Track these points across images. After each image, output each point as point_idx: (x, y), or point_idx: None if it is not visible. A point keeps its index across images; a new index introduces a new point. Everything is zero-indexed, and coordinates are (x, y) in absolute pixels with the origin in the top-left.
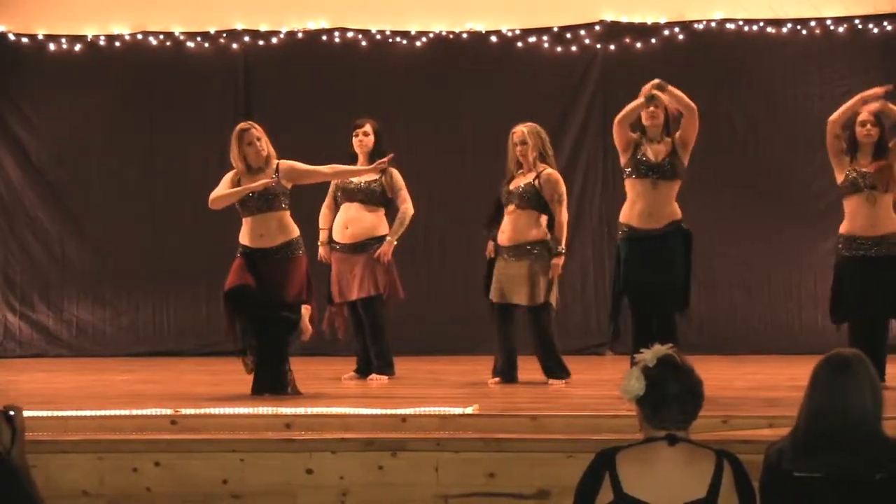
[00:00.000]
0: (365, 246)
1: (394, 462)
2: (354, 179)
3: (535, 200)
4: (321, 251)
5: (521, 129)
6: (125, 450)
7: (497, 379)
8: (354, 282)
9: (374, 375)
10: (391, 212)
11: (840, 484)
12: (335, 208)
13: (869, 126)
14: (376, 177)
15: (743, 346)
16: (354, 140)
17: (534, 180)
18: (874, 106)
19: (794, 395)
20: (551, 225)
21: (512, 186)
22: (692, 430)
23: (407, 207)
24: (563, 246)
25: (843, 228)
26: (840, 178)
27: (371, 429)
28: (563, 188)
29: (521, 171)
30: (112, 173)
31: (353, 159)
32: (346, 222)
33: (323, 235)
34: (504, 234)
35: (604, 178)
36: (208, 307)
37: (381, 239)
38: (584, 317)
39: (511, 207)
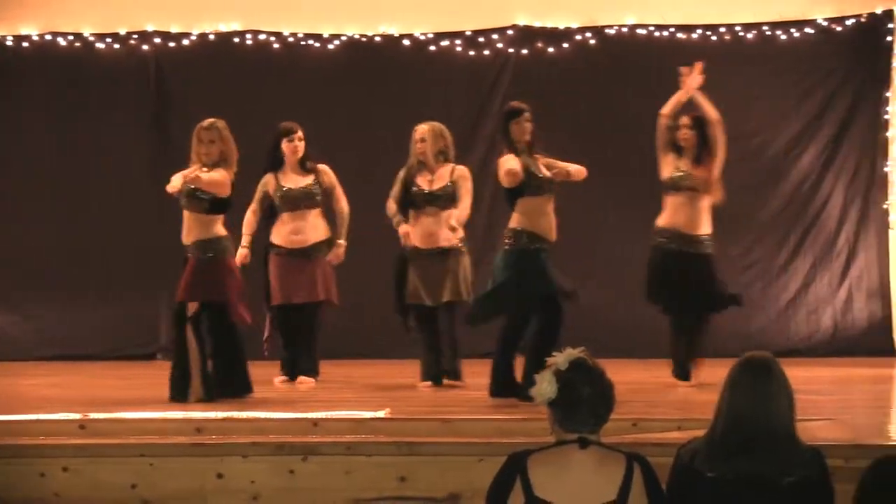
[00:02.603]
0: (315, 250)
1: (305, 466)
2: (292, 185)
3: (455, 200)
4: (243, 255)
5: (423, 127)
6: (32, 455)
7: (428, 383)
8: (304, 285)
9: (302, 378)
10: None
11: (752, 486)
12: (264, 215)
13: (685, 129)
14: (311, 180)
15: (653, 350)
16: (289, 145)
17: (450, 181)
18: (683, 96)
19: (703, 397)
20: None
21: (428, 188)
22: (603, 433)
23: (343, 205)
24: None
25: (662, 222)
26: (665, 175)
27: (282, 433)
28: (471, 184)
29: (424, 170)
30: (21, 174)
31: (277, 163)
32: (296, 229)
33: (246, 240)
34: (430, 237)
35: None
36: (118, 310)
37: (327, 242)
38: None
39: (433, 210)
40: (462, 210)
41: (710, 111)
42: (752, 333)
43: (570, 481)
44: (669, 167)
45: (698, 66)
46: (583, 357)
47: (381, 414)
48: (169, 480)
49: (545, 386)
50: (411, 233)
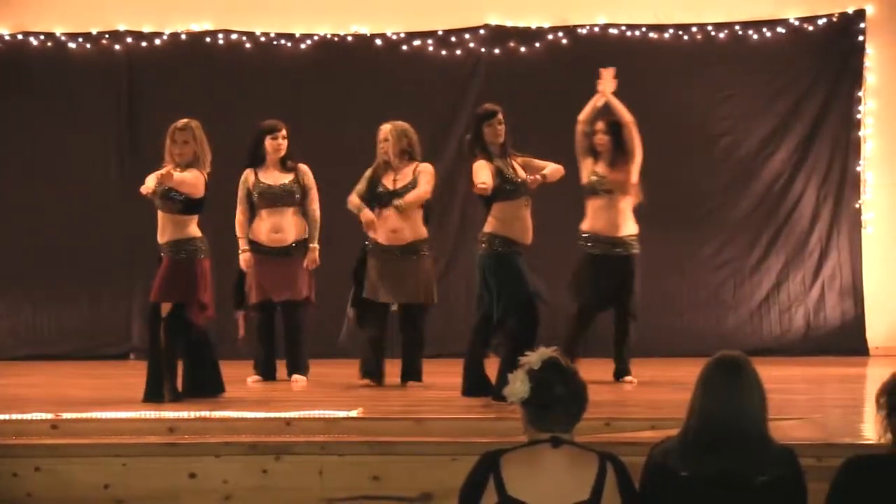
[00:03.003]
0: (295, 249)
1: (278, 466)
2: (272, 182)
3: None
4: (246, 258)
5: (386, 127)
6: (5, 455)
7: (368, 381)
8: (286, 283)
9: (296, 377)
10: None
11: (724, 485)
12: (250, 214)
13: (600, 134)
14: (290, 178)
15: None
16: (272, 142)
17: (412, 178)
18: (598, 101)
19: (676, 396)
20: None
21: (392, 187)
22: (576, 432)
23: (316, 207)
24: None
25: (586, 227)
26: (584, 179)
27: (255, 432)
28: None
29: (389, 169)
30: None
31: (258, 160)
32: (275, 226)
33: (244, 243)
34: (394, 234)
35: None
36: (90, 310)
37: (304, 241)
38: (469, 320)
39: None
40: (415, 193)
41: (624, 114)
42: (724, 332)
43: (543, 480)
44: (587, 172)
45: (611, 70)
46: (556, 357)
47: (354, 413)
48: (142, 480)
49: (518, 385)
50: (376, 228)
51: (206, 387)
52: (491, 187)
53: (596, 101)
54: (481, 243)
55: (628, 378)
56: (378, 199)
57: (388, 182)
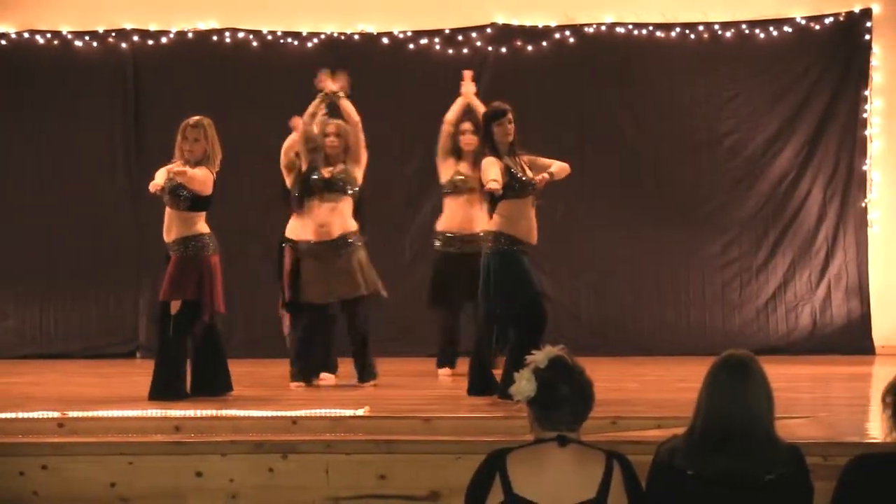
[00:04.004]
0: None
1: (284, 464)
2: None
3: (351, 185)
4: None
5: (337, 122)
6: (11, 453)
7: (300, 383)
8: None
9: (325, 375)
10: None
11: (731, 484)
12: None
13: (468, 135)
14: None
15: (632, 348)
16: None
17: (344, 168)
18: (464, 102)
19: (683, 395)
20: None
21: (329, 176)
22: (582, 431)
23: None
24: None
25: (442, 226)
26: (444, 178)
27: (261, 431)
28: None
29: (327, 163)
30: None
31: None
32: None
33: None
34: (321, 228)
35: None
36: (96, 309)
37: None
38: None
39: (330, 196)
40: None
41: None
42: (731, 331)
43: (549, 479)
44: (449, 171)
45: (469, 72)
46: (562, 355)
47: (360, 412)
48: (148, 479)
49: (524, 384)
50: (303, 226)
51: (214, 385)
52: (501, 185)
53: (462, 103)
54: (486, 241)
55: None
56: (311, 188)
57: (325, 172)
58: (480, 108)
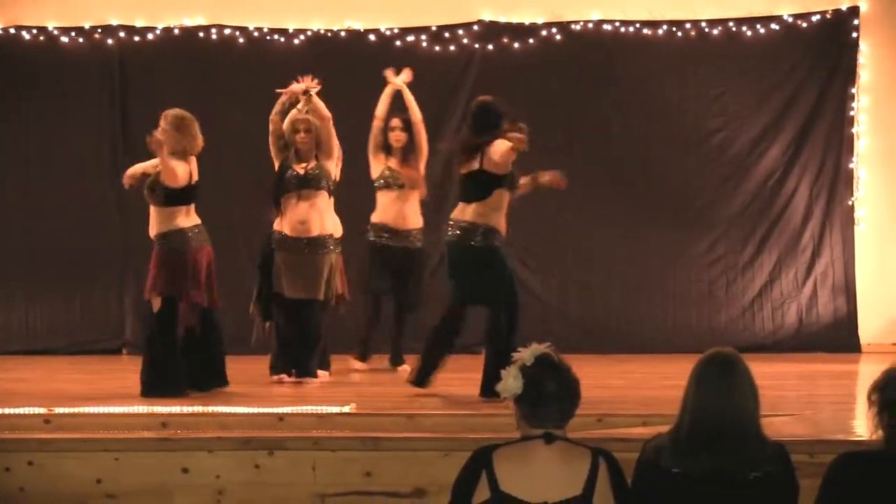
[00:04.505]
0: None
1: (271, 461)
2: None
3: (326, 181)
4: None
5: (309, 119)
6: None
7: (284, 375)
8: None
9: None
10: None
11: (717, 482)
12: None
13: (398, 131)
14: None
15: (618, 345)
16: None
17: (317, 164)
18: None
19: (668, 393)
20: None
21: (303, 172)
22: (568, 428)
23: None
24: None
25: (375, 219)
26: (375, 174)
27: (248, 427)
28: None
29: (300, 160)
30: None
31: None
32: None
33: None
34: (297, 225)
35: None
36: (82, 305)
37: None
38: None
39: (307, 192)
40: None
41: (416, 112)
42: (717, 329)
43: (535, 476)
44: (380, 166)
45: (390, 70)
46: (549, 353)
47: (346, 409)
48: (134, 475)
49: (511, 381)
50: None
51: (208, 380)
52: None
53: (389, 96)
54: (459, 231)
55: (402, 367)
56: (287, 185)
57: (298, 169)
58: (412, 104)
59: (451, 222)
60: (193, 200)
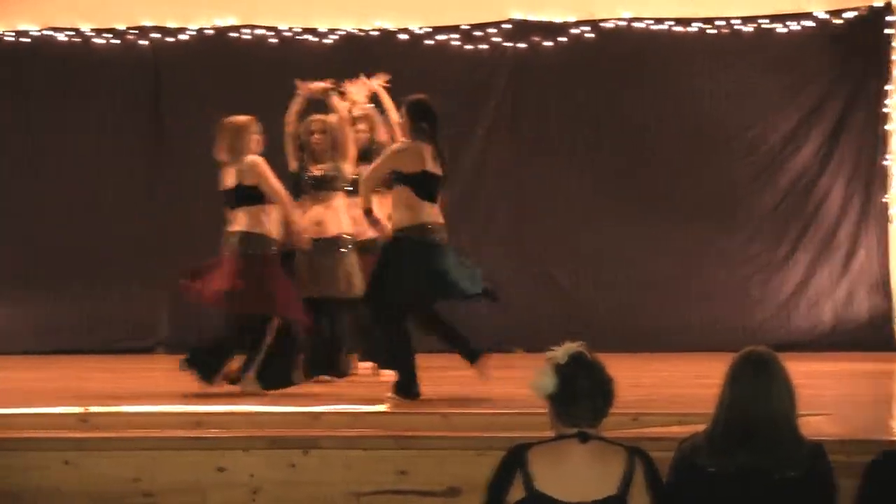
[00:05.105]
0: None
1: (305, 460)
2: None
3: (343, 182)
4: None
5: (323, 118)
6: (33, 448)
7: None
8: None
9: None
10: None
11: (753, 481)
12: None
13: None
14: None
15: (650, 344)
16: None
17: (334, 165)
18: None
19: (703, 391)
20: None
21: (321, 173)
22: (603, 427)
23: None
24: None
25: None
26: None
27: (282, 426)
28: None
29: (314, 161)
30: (18, 170)
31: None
32: None
33: None
34: (314, 226)
35: (514, 175)
36: (117, 304)
37: None
38: (493, 314)
39: (324, 195)
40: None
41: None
42: (751, 327)
43: (570, 475)
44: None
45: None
46: (582, 351)
47: (380, 408)
48: (170, 473)
49: (545, 380)
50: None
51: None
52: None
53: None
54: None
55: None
56: (302, 187)
57: (314, 170)
58: (387, 99)
59: None
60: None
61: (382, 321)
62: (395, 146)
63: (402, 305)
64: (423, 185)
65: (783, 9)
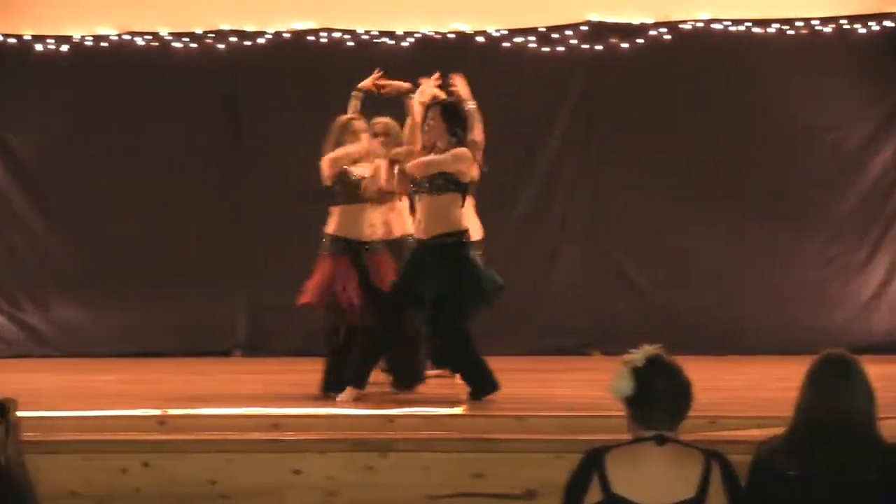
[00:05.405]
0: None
1: (382, 462)
2: None
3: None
4: None
5: (385, 121)
6: (113, 450)
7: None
8: None
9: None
10: None
11: (832, 485)
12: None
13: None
14: None
15: (729, 347)
16: None
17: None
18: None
19: (783, 395)
20: None
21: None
22: (680, 430)
23: None
24: None
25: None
26: None
27: (359, 429)
28: None
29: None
30: (98, 173)
31: None
32: None
33: None
34: (385, 227)
35: (591, 176)
36: (194, 307)
37: None
38: (570, 315)
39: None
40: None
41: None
42: (831, 329)
43: (647, 478)
44: None
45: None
46: (660, 354)
47: (457, 410)
48: (247, 476)
49: (622, 382)
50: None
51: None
52: None
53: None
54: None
55: None
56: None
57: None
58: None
59: None
60: None
61: (445, 329)
62: (459, 151)
63: (468, 312)
64: (467, 194)
65: (864, 9)
